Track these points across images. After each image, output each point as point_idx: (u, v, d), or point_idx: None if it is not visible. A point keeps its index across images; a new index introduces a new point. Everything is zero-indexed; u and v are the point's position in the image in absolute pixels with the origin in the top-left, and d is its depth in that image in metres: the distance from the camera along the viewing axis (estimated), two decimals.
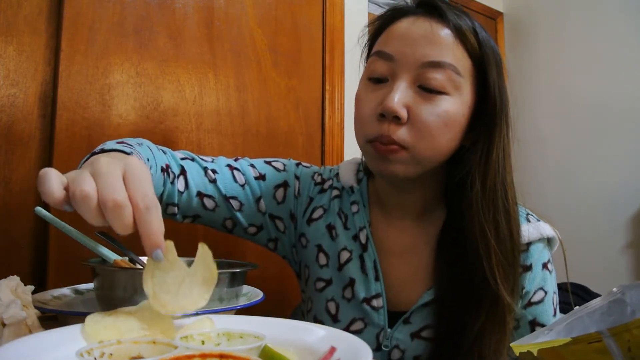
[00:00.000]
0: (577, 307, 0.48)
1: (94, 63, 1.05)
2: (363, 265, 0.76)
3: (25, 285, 0.52)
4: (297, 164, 0.86)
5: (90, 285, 0.70)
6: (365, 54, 0.78)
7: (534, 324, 0.74)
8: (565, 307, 0.80)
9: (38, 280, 0.95)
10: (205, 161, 0.79)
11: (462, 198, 0.71)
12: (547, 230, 0.75)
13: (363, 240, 0.76)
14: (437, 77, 0.65)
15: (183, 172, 0.75)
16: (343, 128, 1.52)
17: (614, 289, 0.46)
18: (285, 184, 0.82)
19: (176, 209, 0.76)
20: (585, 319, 0.45)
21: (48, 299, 0.67)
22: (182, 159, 0.77)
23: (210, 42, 1.23)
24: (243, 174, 0.80)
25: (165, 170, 0.71)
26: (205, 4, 1.23)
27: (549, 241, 0.77)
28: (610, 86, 2.14)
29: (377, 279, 0.74)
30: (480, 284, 0.68)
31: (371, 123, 0.68)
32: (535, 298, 0.74)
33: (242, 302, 0.68)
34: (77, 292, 0.74)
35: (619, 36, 2.13)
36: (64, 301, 0.69)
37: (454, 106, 0.67)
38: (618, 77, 2.12)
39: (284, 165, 0.84)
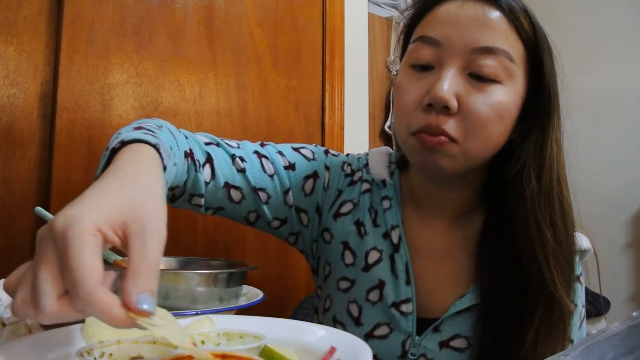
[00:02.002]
0: (594, 331, 0.47)
1: (94, 63, 1.05)
2: (393, 266, 0.70)
3: None
4: (326, 152, 0.79)
5: None
6: (401, 41, 0.73)
7: None
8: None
9: None
10: (232, 147, 0.72)
11: (512, 198, 0.66)
12: (584, 242, 0.71)
13: (395, 240, 0.71)
14: (490, 64, 0.60)
15: (209, 159, 0.68)
16: (343, 128, 1.52)
17: (634, 314, 0.45)
18: (315, 175, 0.76)
19: (202, 200, 0.69)
20: (603, 344, 0.43)
21: None
22: (207, 143, 0.70)
23: (210, 42, 1.23)
24: (272, 163, 0.73)
25: (190, 155, 0.65)
26: (205, 4, 1.23)
27: (581, 253, 0.73)
28: (610, 85, 2.14)
29: (408, 282, 0.69)
30: (534, 289, 0.64)
31: (416, 114, 0.63)
32: None
33: (242, 302, 0.68)
34: None
35: (621, 35, 2.13)
36: None
37: (507, 96, 0.62)
38: (618, 76, 2.12)
39: (313, 153, 0.78)
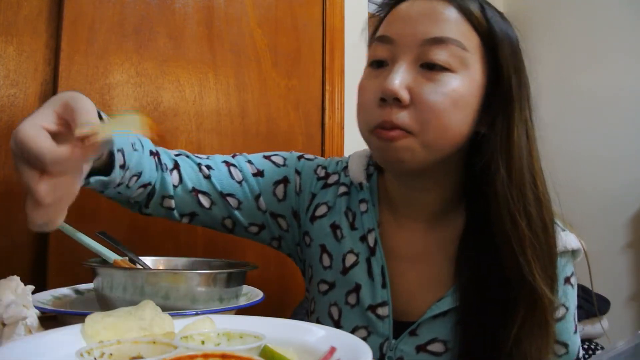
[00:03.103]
0: (599, 351, 0.46)
1: (94, 63, 1.05)
2: (370, 269, 0.71)
3: (25, 285, 0.52)
4: (299, 157, 0.80)
5: (90, 285, 0.70)
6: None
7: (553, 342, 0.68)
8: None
9: (38, 280, 0.95)
10: (200, 158, 0.76)
11: (485, 190, 0.64)
12: (572, 242, 0.69)
13: (371, 243, 0.71)
14: (440, 53, 0.60)
15: (176, 166, 0.73)
16: (343, 128, 1.52)
17: (639, 332, 0.44)
18: (285, 180, 0.77)
19: (173, 202, 0.73)
20: None
21: (48, 299, 0.67)
22: (176, 155, 0.75)
23: (210, 42, 1.23)
24: (240, 171, 0.76)
25: (156, 155, 0.70)
26: (205, 4, 1.23)
27: (573, 252, 0.70)
28: (611, 85, 2.13)
29: (384, 285, 0.69)
30: (514, 284, 0.62)
31: (372, 110, 0.63)
32: (556, 315, 0.67)
33: (242, 302, 0.68)
34: (77, 292, 0.74)
35: (621, 34, 2.13)
36: (64, 301, 0.69)
37: (462, 84, 0.61)
38: (619, 75, 2.12)
39: (284, 159, 0.80)
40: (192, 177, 0.73)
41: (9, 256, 0.95)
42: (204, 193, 0.74)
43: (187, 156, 0.76)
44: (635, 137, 2.07)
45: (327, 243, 0.75)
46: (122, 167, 0.62)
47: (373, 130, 0.63)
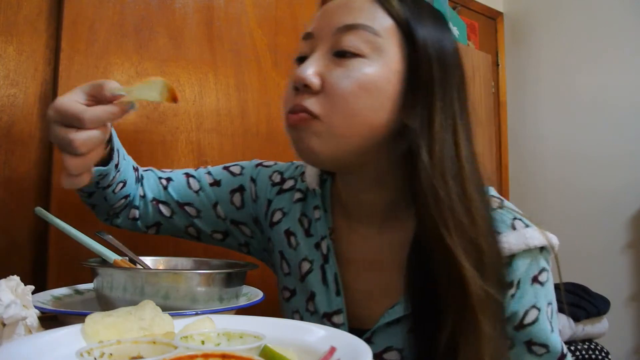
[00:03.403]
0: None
1: (94, 63, 1.05)
2: (324, 277, 0.70)
3: (25, 285, 0.52)
4: (257, 165, 0.82)
5: (90, 285, 0.70)
6: None
7: (531, 344, 0.64)
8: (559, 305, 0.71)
9: (38, 280, 0.95)
10: (164, 172, 0.83)
11: (412, 176, 0.60)
12: (534, 239, 0.63)
13: (324, 251, 0.70)
14: (351, 39, 0.60)
15: (142, 179, 0.80)
16: None
17: None
18: (240, 188, 0.80)
19: (137, 212, 0.79)
20: None
21: (48, 299, 0.67)
22: (144, 171, 0.82)
23: (210, 42, 1.23)
24: (198, 181, 0.80)
25: (136, 170, 0.78)
26: (205, 4, 1.23)
27: (542, 249, 0.65)
28: (611, 85, 2.14)
29: (337, 293, 0.68)
30: (442, 272, 0.58)
31: (288, 101, 0.63)
32: (528, 319, 0.63)
33: (242, 302, 0.68)
34: (77, 292, 0.74)
35: (620, 34, 2.13)
36: (64, 301, 0.69)
37: (374, 70, 0.59)
38: (619, 76, 2.12)
39: (242, 168, 0.82)
40: (153, 188, 0.80)
41: (9, 256, 0.95)
42: (163, 202, 0.80)
43: (152, 171, 0.82)
44: (634, 138, 2.07)
45: (283, 249, 0.75)
46: (117, 166, 0.68)
47: (286, 120, 0.63)
